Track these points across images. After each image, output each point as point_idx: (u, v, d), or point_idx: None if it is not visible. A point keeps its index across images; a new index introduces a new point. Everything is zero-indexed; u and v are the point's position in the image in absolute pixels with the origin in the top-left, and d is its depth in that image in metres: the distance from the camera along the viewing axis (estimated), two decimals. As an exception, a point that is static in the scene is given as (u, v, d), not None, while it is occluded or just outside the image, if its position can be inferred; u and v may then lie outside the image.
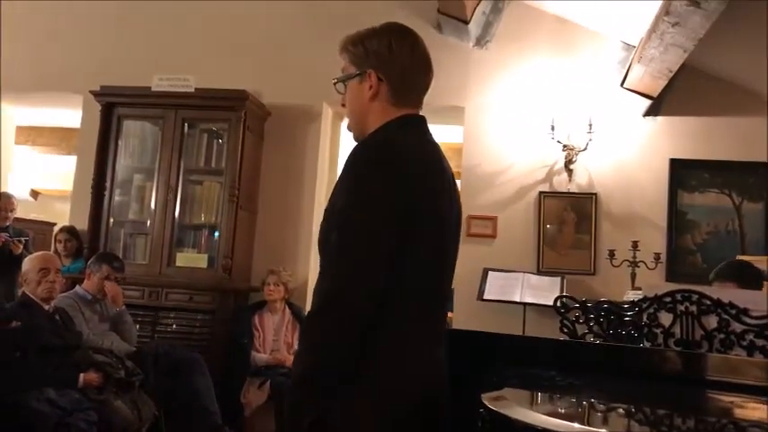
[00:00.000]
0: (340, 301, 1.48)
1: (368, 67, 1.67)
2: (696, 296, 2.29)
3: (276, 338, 4.81)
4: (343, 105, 1.76)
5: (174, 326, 4.87)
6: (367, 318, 1.49)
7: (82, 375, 3.59)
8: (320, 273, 1.55)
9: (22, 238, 5.37)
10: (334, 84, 1.76)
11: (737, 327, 2.21)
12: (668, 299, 2.33)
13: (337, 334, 1.48)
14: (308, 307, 5.00)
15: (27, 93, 6.03)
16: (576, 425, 1.39)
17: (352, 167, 1.57)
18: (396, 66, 1.67)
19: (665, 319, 2.31)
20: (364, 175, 1.54)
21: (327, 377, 1.49)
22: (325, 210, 1.62)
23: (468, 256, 5.03)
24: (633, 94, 4.96)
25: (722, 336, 2.21)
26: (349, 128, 1.78)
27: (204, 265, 5.06)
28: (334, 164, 5.77)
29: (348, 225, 1.51)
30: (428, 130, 1.72)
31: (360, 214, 1.51)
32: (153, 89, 5.12)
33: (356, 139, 1.75)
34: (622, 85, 4.98)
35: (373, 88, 1.67)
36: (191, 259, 5.10)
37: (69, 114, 6.30)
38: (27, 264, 3.87)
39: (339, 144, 5.85)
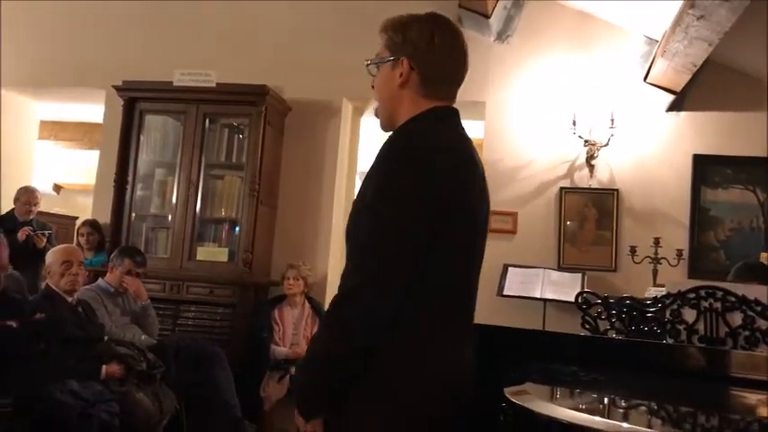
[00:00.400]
0: (362, 294, 1.48)
1: (403, 55, 1.64)
2: (721, 293, 2.27)
3: (296, 332, 4.82)
4: (373, 87, 1.73)
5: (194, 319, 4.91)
6: (387, 314, 1.49)
7: (104, 367, 3.63)
8: (346, 264, 1.54)
9: (46, 232, 5.44)
10: (367, 65, 1.73)
11: (763, 323, 2.18)
12: (692, 295, 2.31)
13: (356, 325, 1.48)
14: (327, 301, 5.00)
15: (50, 88, 6.09)
16: (598, 418, 1.38)
17: (382, 162, 1.55)
18: (432, 57, 1.64)
19: (689, 315, 2.29)
20: (394, 171, 1.51)
21: (340, 365, 1.50)
22: (354, 202, 1.61)
23: (488, 252, 4.96)
24: (656, 88, 4.91)
25: (747, 333, 2.19)
26: (376, 113, 1.75)
27: (225, 259, 5.08)
28: (353, 159, 5.78)
29: (377, 220, 1.49)
30: (460, 124, 1.68)
31: (389, 210, 1.49)
32: (174, 84, 5.14)
33: (382, 125, 1.72)
34: (645, 79, 4.93)
35: (404, 76, 1.64)
36: (211, 253, 5.13)
37: (92, 109, 6.36)
38: (50, 256, 3.91)
39: (359, 139, 5.85)
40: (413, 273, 1.49)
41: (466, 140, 1.66)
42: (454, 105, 1.71)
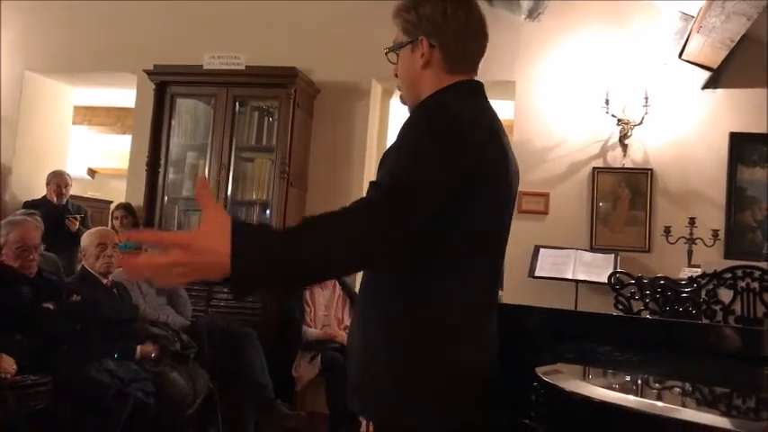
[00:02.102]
0: (391, 204, 1.37)
1: (420, 34, 1.62)
2: (758, 272, 2.23)
3: (327, 314, 4.86)
4: (396, 75, 1.71)
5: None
6: (411, 229, 1.38)
7: (139, 347, 3.69)
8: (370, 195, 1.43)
9: (78, 215, 5.54)
10: (386, 53, 1.71)
11: (802, 304, 2.14)
12: (728, 275, 2.27)
13: (381, 230, 1.35)
14: (358, 283, 5.02)
15: (83, 73, 6.17)
16: (632, 397, 1.36)
17: (409, 133, 1.50)
18: (449, 32, 1.61)
19: (725, 295, 2.26)
20: (423, 141, 1.46)
21: (337, 260, 1.33)
22: (377, 178, 1.58)
23: (520, 233, 4.93)
24: (691, 66, 4.81)
25: (786, 313, 2.15)
26: (402, 100, 1.73)
27: (256, 241, 5.11)
28: (382, 141, 5.77)
29: (404, 181, 1.40)
30: (485, 96, 1.66)
31: (418, 177, 1.41)
32: (204, 67, 5.17)
33: (410, 109, 1.70)
34: (680, 56, 4.83)
35: (425, 56, 1.61)
36: (243, 235, 5.16)
37: (123, 94, 6.43)
38: (85, 239, 3.99)
39: (388, 121, 5.84)
40: (447, 245, 1.46)
41: (492, 112, 1.63)
42: (478, 79, 1.67)
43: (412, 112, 1.62)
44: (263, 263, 1.25)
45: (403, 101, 1.73)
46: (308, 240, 1.29)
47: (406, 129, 1.51)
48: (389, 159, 1.50)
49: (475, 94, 1.64)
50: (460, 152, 1.46)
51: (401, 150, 1.47)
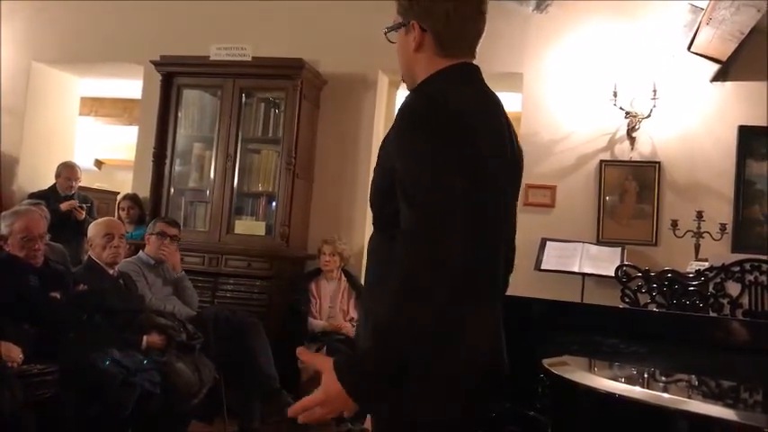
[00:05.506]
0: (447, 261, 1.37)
1: (411, 18, 1.61)
2: (766, 266, 2.21)
3: (332, 306, 4.86)
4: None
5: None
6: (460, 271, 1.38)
7: (145, 338, 3.70)
8: (408, 242, 1.40)
9: (85, 205, 5.56)
10: (385, 33, 1.71)
11: (811, 297, 2.12)
12: (736, 268, 2.26)
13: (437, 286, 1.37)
14: (363, 274, 5.02)
15: (89, 63, 6.17)
16: (638, 389, 1.36)
17: (408, 126, 1.48)
18: (440, 15, 1.58)
19: (733, 289, 2.25)
20: (426, 135, 1.44)
21: (423, 336, 1.39)
22: (375, 169, 1.56)
23: (526, 226, 4.90)
24: (700, 58, 4.77)
25: (794, 306, 2.14)
26: (403, 79, 1.73)
27: (262, 232, 5.13)
28: (389, 133, 5.76)
29: (429, 192, 1.40)
30: (480, 79, 1.62)
31: (438, 178, 1.40)
32: (211, 58, 5.16)
33: (408, 87, 1.69)
34: (689, 48, 4.79)
35: (416, 40, 1.61)
36: (249, 227, 5.18)
37: (130, 85, 6.44)
38: (92, 229, 3.99)
39: (394, 112, 5.80)
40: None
41: (491, 97, 1.61)
42: (474, 62, 1.64)
43: (406, 98, 1.59)
44: (367, 375, 1.39)
45: (404, 81, 1.72)
46: (387, 334, 1.39)
47: (403, 130, 1.49)
48: (399, 166, 1.47)
49: (469, 78, 1.61)
50: (462, 150, 1.44)
51: (408, 166, 1.45)
